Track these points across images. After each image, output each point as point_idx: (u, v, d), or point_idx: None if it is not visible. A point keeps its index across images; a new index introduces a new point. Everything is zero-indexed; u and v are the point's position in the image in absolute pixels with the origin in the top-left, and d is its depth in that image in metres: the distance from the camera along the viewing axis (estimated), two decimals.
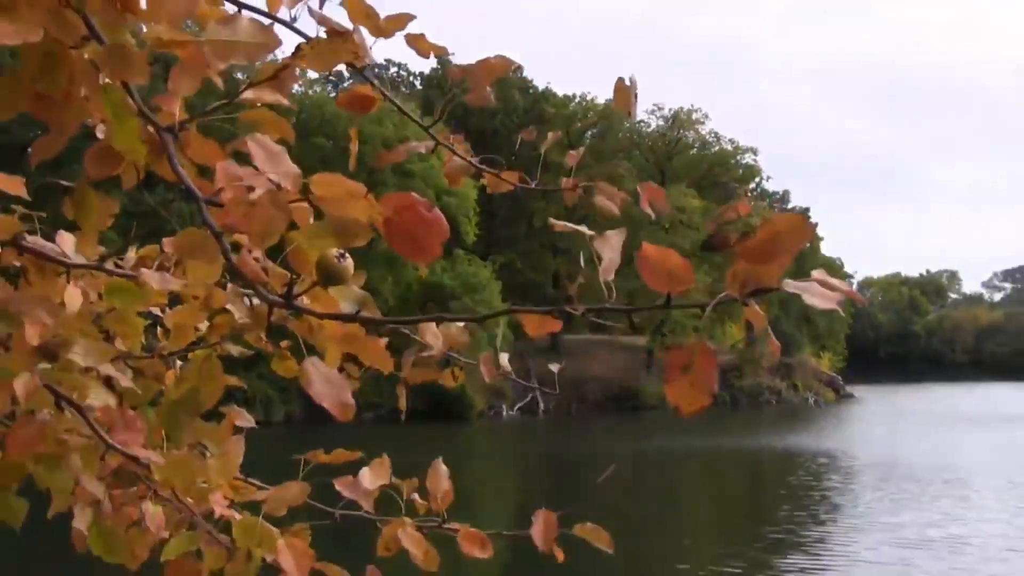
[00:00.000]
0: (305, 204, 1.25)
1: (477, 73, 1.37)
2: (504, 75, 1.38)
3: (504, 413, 50.92)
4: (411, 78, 65.96)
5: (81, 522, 1.76)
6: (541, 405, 53.13)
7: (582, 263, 1.30)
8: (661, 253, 1.11)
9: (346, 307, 1.29)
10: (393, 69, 64.39)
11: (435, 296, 45.09)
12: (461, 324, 1.96)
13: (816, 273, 1.08)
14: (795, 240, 1.06)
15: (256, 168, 1.18)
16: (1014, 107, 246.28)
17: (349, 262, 1.27)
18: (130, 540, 1.80)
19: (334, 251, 1.25)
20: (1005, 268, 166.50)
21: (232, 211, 1.16)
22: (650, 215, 1.65)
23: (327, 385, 1.29)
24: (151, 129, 1.25)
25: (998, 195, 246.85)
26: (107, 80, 1.23)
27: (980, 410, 53.45)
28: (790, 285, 1.07)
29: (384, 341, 1.50)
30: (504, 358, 1.97)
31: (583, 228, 1.28)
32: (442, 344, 1.86)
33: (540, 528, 1.88)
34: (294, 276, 1.27)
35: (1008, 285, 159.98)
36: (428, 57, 1.35)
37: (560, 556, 1.87)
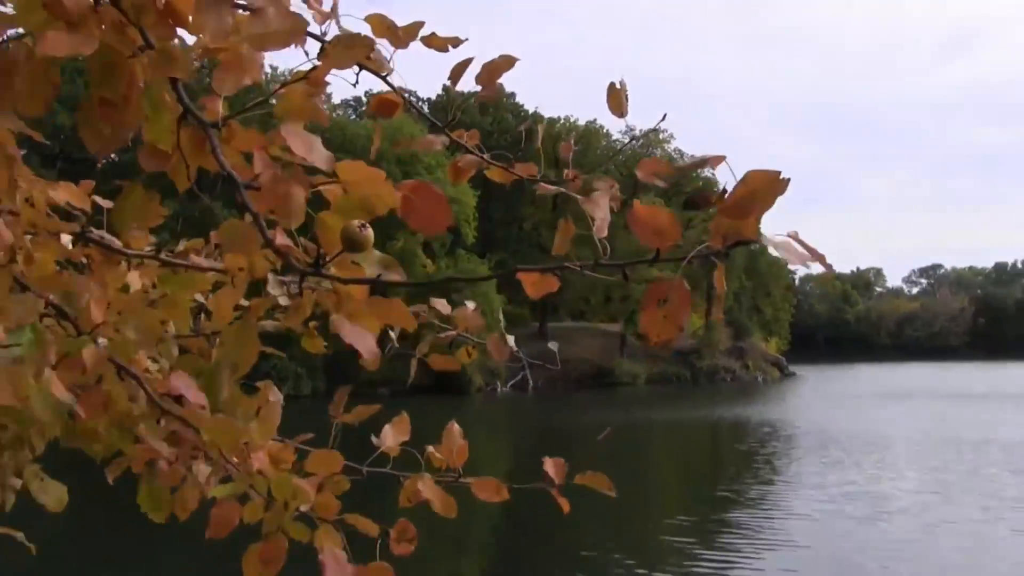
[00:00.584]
0: (336, 186, 1.25)
1: (486, 72, 1.34)
2: (507, 70, 1.35)
3: (499, 389, 50.96)
4: (420, 102, 65.82)
5: (114, 471, 1.77)
6: (530, 382, 53.23)
7: (570, 224, 1.26)
8: (651, 211, 1.07)
9: (370, 270, 1.27)
10: (406, 94, 64.10)
11: (442, 286, 45.05)
12: (473, 307, 1.94)
13: (791, 232, 1.03)
14: (770, 195, 1.01)
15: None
16: (924, 128, 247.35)
17: (369, 231, 1.25)
18: (181, 494, 1.78)
19: (356, 222, 1.24)
20: (921, 266, 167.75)
21: (268, 193, 1.15)
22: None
23: (356, 333, 1.27)
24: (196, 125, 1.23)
25: (913, 204, 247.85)
26: (148, 81, 1.21)
27: (899, 386, 53.75)
28: (768, 239, 1.02)
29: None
30: (511, 340, 1.95)
31: (569, 184, 1.24)
32: (458, 323, 1.84)
33: (552, 469, 1.87)
34: (321, 248, 1.25)
35: (923, 280, 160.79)
36: (447, 51, 1.33)
37: (566, 506, 1.84)
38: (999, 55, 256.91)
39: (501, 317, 2.17)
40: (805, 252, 1.00)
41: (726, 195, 1.01)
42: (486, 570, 12.46)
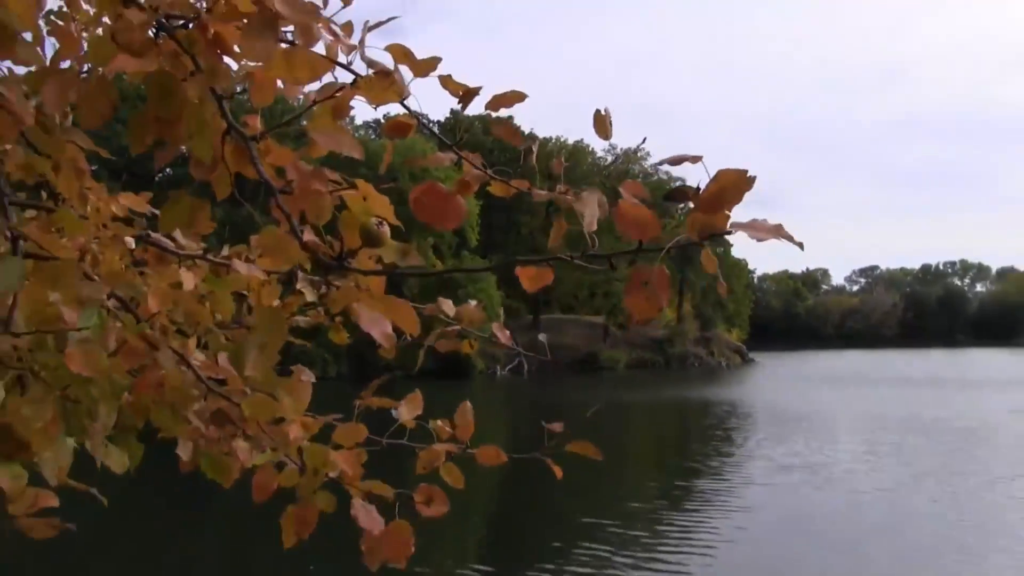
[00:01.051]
0: (355, 192, 1.25)
1: (495, 101, 1.33)
2: (516, 102, 1.34)
3: (498, 373, 50.91)
4: (432, 124, 65.65)
5: (184, 451, 1.77)
6: (526, 367, 53.22)
7: (562, 221, 1.25)
8: (635, 208, 1.06)
9: (390, 257, 1.26)
10: (420, 117, 63.99)
11: (447, 285, 45.09)
12: (475, 304, 1.94)
13: (758, 219, 1.02)
14: (738, 191, 1.00)
15: None
16: (864, 148, 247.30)
17: (386, 228, 1.24)
18: (225, 465, 1.78)
19: (374, 220, 1.23)
20: (860, 267, 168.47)
21: (300, 197, 1.15)
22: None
23: (373, 320, 1.27)
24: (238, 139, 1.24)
25: (855, 212, 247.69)
26: (197, 100, 1.21)
27: (840, 371, 53.84)
28: (736, 225, 1.01)
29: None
30: (508, 333, 1.95)
31: (561, 195, 1.23)
32: (462, 319, 1.83)
33: (555, 428, 1.86)
34: (343, 242, 1.25)
35: (862, 279, 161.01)
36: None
37: (559, 473, 1.83)
38: (930, 84, 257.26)
39: (501, 312, 2.17)
40: (770, 228, 0.99)
41: (700, 191, 1.01)
42: (485, 523, 12.47)
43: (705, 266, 1.06)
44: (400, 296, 1.92)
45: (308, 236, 1.17)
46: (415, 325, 1.36)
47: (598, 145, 72.18)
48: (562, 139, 66.32)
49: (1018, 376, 44.73)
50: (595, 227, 1.11)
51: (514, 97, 1.29)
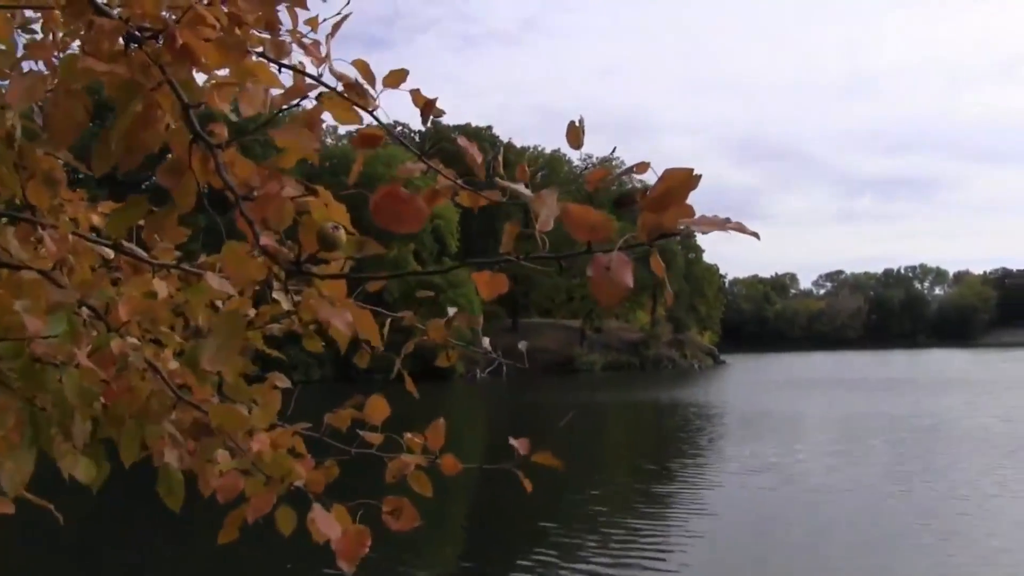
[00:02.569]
0: (314, 197, 1.24)
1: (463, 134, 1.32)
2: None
3: (477, 375, 50.83)
4: (412, 134, 65.70)
5: (171, 459, 1.71)
6: (504, 370, 53.14)
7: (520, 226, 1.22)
8: (583, 210, 1.03)
9: (348, 252, 1.24)
10: (399, 127, 64.11)
11: (428, 289, 45.00)
12: (456, 311, 1.91)
13: (704, 215, 1.00)
14: (684, 190, 0.98)
15: None
16: (831, 157, 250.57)
17: (342, 232, 1.22)
18: (205, 473, 1.74)
19: (329, 224, 1.21)
20: (826, 272, 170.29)
21: (261, 203, 1.13)
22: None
23: (332, 312, 1.27)
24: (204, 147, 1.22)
25: (822, 220, 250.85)
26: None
27: (807, 372, 54.41)
28: (683, 222, 0.98)
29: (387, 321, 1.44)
30: (486, 341, 1.94)
31: (523, 190, 1.19)
32: (436, 334, 1.82)
33: (521, 446, 1.84)
34: (302, 249, 1.22)
35: (828, 284, 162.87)
36: (428, 108, 1.31)
37: (528, 486, 1.82)
38: (892, 98, 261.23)
39: (480, 319, 2.16)
40: (718, 222, 0.97)
41: (647, 192, 0.98)
42: (449, 528, 12.41)
43: (653, 268, 1.04)
44: (381, 302, 1.90)
45: (267, 240, 1.14)
46: (376, 334, 1.33)
47: (575, 154, 72.50)
48: (539, 148, 66.61)
49: (972, 376, 45.52)
50: (550, 227, 1.06)
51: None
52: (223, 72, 1.22)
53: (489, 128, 66.22)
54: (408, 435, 1.80)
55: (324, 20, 1.33)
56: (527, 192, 1.13)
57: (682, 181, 0.96)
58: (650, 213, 0.97)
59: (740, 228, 0.97)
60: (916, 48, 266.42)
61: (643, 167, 1.08)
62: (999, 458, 16.51)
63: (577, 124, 1.48)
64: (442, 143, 1.48)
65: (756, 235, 1.03)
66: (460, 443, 19.77)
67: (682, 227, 0.97)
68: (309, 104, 1.31)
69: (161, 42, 1.13)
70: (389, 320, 1.91)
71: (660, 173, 1.06)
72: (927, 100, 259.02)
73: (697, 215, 1.02)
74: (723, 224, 0.96)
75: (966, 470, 15.30)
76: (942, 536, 10.61)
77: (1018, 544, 10.19)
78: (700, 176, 0.96)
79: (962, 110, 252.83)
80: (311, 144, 1.20)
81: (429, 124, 1.40)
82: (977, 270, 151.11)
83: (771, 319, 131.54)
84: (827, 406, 29.39)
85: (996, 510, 12.02)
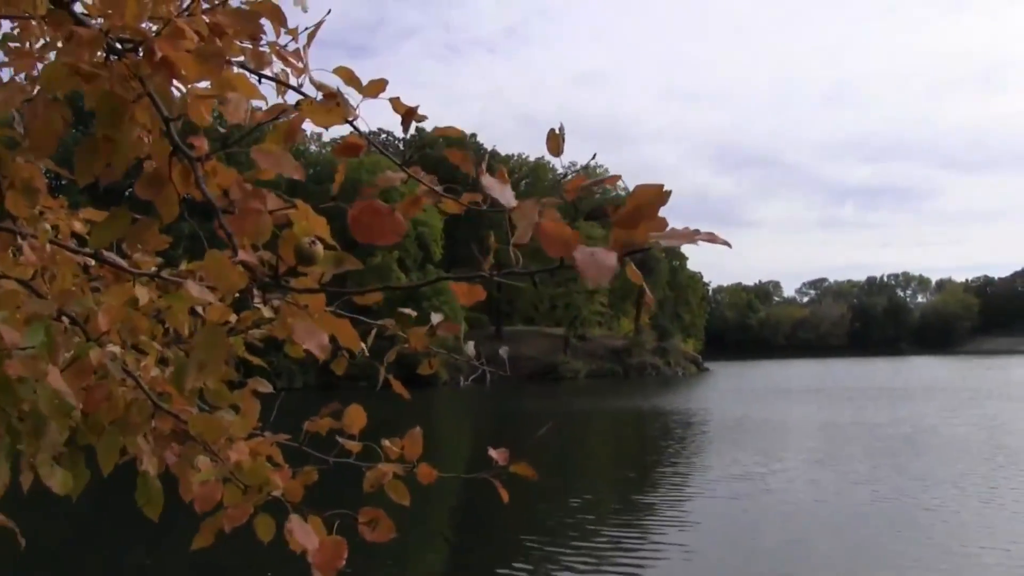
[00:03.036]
0: (294, 209, 1.24)
1: (443, 134, 1.33)
2: (459, 137, 1.33)
3: (461, 382, 50.70)
4: (396, 141, 65.67)
5: (150, 466, 1.71)
6: (488, 377, 53.03)
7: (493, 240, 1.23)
8: (557, 227, 1.02)
9: (325, 267, 1.24)
10: (384, 135, 64.01)
11: (413, 297, 44.82)
12: (440, 318, 1.92)
13: (675, 228, 1.01)
14: (655, 206, 0.98)
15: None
16: (813, 166, 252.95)
17: (319, 246, 1.22)
18: (187, 480, 1.74)
19: (307, 239, 1.21)
20: (810, 279, 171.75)
21: (241, 217, 1.13)
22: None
23: (308, 333, 1.26)
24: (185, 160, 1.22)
25: (805, 228, 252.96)
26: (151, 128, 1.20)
27: (790, 380, 54.71)
28: (654, 236, 0.99)
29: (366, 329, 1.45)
30: (471, 346, 1.95)
31: (506, 195, 1.19)
32: (417, 342, 1.83)
33: (499, 456, 1.85)
34: (280, 261, 1.23)
35: (812, 291, 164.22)
36: (408, 114, 1.31)
37: (505, 496, 1.82)
38: (875, 106, 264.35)
39: (462, 326, 2.17)
40: (687, 234, 0.98)
41: (618, 208, 0.99)
42: (426, 537, 12.36)
43: (630, 277, 1.05)
44: (365, 310, 1.90)
45: (245, 255, 1.15)
46: (356, 343, 1.34)
47: (559, 162, 72.57)
48: (524, 156, 66.78)
49: (954, 384, 46.02)
50: (526, 239, 1.07)
51: (455, 132, 1.29)
52: (204, 84, 1.23)
53: (474, 136, 66.33)
54: (386, 443, 1.81)
55: (304, 29, 1.35)
56: (510, 198, 1.13)
57: (653, 197, 0.97)
58: (621, 229, 0.98)
59: (712, 239, 0.99)
60: (897, 57, 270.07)
61: (613, 180, 1.10)
62: (977, 466, 16.70)
63: (557, 132, 1.50)
64: (425, 149, 1.50)
65: (728, 244, 1.05)
66: (443, 450, 19.68)
67: (653, 241, 0.98)
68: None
69: (141, 54, 1.14)
70: (375, 329, 1.92)
71: (640, 183, 1.08)
72: (909, 108, 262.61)
73: (679, 224, 1.04)
74: (693, 236, 0.97)
75: (945, 479, 15.44)
76: (920, 544, 10.71)
77: (995, 553, 10.31)
78: (670, 192, 0.98)
79: (944, 119, 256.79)
80: (295, 171, 1.20)
81: (412, 131, 1.41)
82: (959, 278, 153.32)
83: (755, 327, 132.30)
84: (809, 414, 29.59)
85: (975, 518, 12.15)
